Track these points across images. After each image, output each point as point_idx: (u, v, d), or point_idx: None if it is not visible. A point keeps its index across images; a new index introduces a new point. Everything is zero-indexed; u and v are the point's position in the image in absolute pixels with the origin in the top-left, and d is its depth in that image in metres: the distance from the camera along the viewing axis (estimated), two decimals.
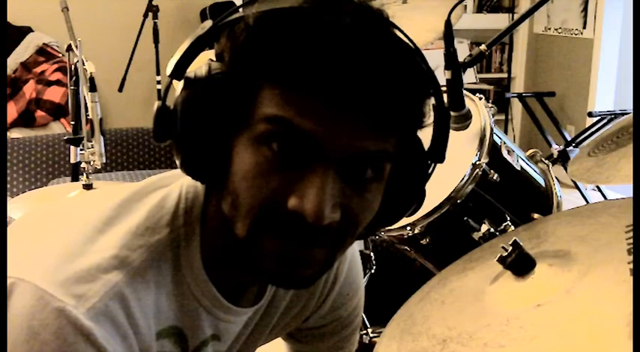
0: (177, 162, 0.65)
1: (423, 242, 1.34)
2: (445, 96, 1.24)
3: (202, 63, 0.65)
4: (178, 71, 0.64)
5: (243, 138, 0.62)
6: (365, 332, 1.85)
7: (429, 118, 0.68)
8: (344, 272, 0.90)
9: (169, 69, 0.65)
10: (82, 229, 0.68)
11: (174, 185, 0.73)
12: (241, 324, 0.79)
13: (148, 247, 0.67)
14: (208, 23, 0.65)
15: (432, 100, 0.68)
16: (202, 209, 0.71)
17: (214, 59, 0.65)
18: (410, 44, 0.64)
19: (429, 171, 0.72)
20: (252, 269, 0.67)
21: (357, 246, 1.94)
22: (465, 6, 4.53)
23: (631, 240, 0.70)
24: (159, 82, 3.72)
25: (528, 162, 1.45)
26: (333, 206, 0.61)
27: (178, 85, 0.65)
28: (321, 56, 0.58)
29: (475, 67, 4.54)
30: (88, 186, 1.68)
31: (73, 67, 1.83)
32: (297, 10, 0.61)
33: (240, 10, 0.64)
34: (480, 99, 1.44)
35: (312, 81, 0.59)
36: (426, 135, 0.71)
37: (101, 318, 0.62)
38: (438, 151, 0.71)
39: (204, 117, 0.63)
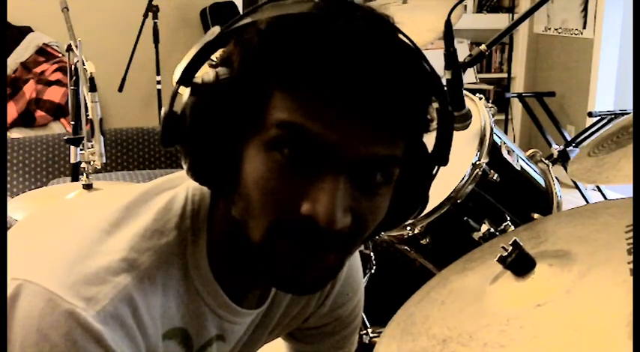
0: (185, 167, 0.65)
1: (423, 242, 1.34)
2: None
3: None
4: (186, 77, 0.64)
5: (253, 143, 0.62)
6: (365, 332, 1.85)
7: (435, 122, 0.69)
8: (344, 272, 0.91)
9: (177, 75, 0.65)
10: (89, 231, 0.68)
11: (180, 187, 0.73)
12: (245, 325, 0.79)
13: (156, 250, 0.68)
14: (217, 29, 0.65)
15: (436, 104, 0.68)
16: (209, 211, 0.71)
17: (213, 62, 0.65)
18: (416, 50, 0.65)
19: (433, 174, 0.73)
20: (262, 273, 0.67)
21: None
22: (465, 6, 4.53)
23: (631, 240, 0.70)
24: (159, 82, 3.72)
25: (528, 162, 1.45)
26: (344, 211, 0.61)
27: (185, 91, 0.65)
28: (333, 62, 0.59)
29: (475, 67, 4.54)
30: (88, 186, 1.68)
31: (73, 67, 1.84)
32: (309, 16, 0.61)
33: (248, 15, 0.64)
34: (480, 99, 1.44)
35: (325, 87, 0.59)
36: (427, 137, 0.71)
37: (110, 321, 0.62)
38: (441, 154, 0.71)
39: (213, 122, 0.63)
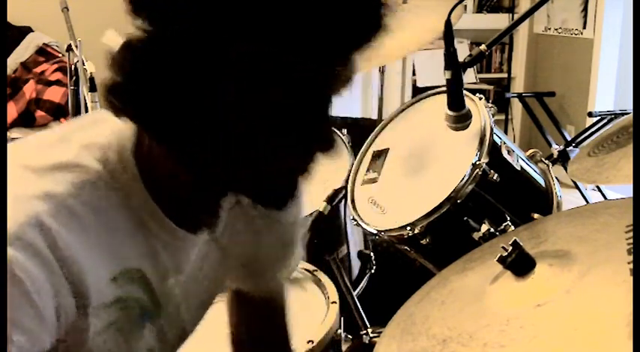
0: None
1: (423, 242, 1.34)
2: (445, 96, 1.24)
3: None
4: None
5: None
6: (365, 332, 1.85)
7: None
8: None
9: None
10: (17, 172, 0.67)
11: (104, 123, 0.73)
12: (195, 251, 0.79)
13: (77, 183, 0.67)
14: None
15: None
16: (135, 141, 0.71)
17: None
18: None
19: None
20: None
21: (357, 246, 1.94)
22: (465, 6, 4.53)
23: (631, 240, 0.70)
24: None
25: (528, 162, 1.45)
26: None
27: None
28: None
29: (475, 67, 4.53)
30: None
31: (73, 67, 1.84)
32: None
33: None
34: (480, 99, 1.43)
35: None
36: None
37: (18, 243, 0.60)
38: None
39: None
